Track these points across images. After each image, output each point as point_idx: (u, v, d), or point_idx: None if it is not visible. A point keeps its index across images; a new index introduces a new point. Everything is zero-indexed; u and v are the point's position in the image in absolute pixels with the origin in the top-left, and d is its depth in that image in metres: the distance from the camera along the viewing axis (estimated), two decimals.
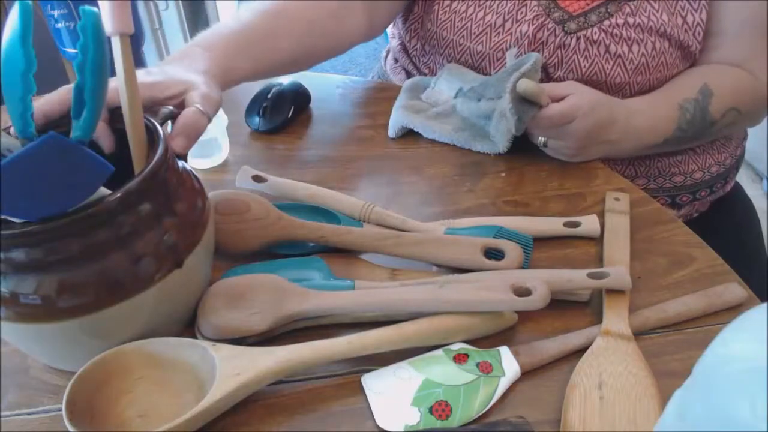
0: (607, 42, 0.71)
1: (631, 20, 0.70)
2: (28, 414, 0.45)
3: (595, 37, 0.71)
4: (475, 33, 0.74)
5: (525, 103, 0.62)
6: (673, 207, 0.81)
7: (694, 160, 0.79)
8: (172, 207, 0.45)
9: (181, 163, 0.49)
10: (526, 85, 0.60)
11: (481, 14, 0.74)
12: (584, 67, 0.72)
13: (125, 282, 0.42)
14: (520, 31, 0.72)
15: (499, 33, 0.73)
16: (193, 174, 0.50)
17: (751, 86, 0.72)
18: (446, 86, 0.75)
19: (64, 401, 0.40)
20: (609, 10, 0.71)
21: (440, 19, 0.77)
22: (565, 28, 0.71)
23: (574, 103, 0.63)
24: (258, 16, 0.69)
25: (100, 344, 0.43)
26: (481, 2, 0.74)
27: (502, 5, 0.73)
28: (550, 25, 0.71)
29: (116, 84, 0.47)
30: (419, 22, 0.82)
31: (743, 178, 1.75)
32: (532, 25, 0.71)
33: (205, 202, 0.49)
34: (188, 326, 0.49)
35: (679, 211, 0.81)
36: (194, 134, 0.52)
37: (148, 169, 0.42)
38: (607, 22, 0.71)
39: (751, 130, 0.83)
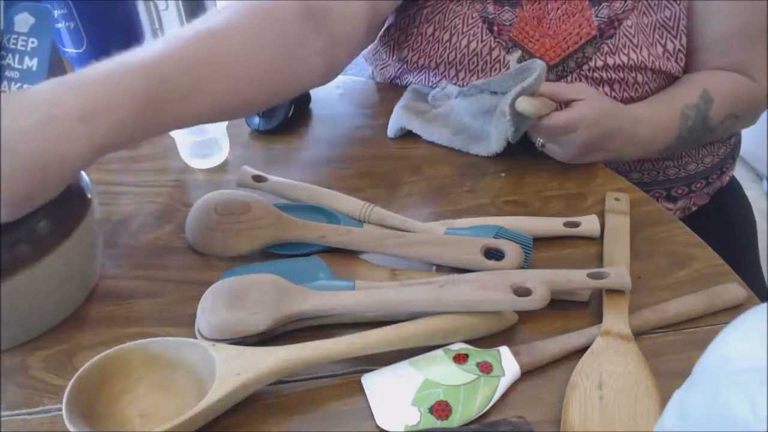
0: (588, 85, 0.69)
1: (610, 61, 0.69)
2: (28, 414, 0.44)
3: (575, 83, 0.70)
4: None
5: (525, 116, 0.62)
6: (669, 200, 0.81)
7: (687, 152, 0.79)
8: None
9: None
10: (525, 106, 0.60)
11: (461, 76, 0.73)
12: None
13: None
14: None
15: None
16: None
17: (749, 91, 0.72)
18: (453, 89, 0.75)
19: (64, 401, 0.40)
20: (587, 54, 0.70)
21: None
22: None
23: (578, 114, 0.62)
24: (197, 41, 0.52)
25: None
26: (458, 69, 0.73)
27: (473, 62, 0.72)
28: None
29: None
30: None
31: (743, 178, 1.75)
32: None
33: None
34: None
35: (676, 204, 0.81)
36: None
37: None
38: (586, 66, 0.70)
39: (750, 131, 0.83)
